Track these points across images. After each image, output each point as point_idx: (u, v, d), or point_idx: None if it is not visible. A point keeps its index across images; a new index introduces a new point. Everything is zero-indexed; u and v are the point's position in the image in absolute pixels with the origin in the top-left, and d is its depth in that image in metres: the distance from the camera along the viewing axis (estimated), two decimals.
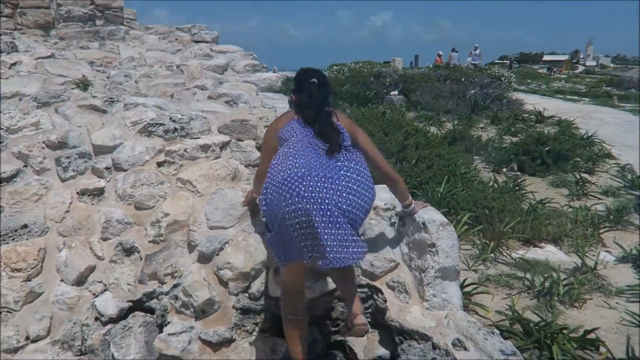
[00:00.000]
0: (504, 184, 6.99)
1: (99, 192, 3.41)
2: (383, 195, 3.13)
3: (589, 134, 10.13)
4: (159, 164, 3.49)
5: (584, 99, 21.72)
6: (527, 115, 12.85)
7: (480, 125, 11.77)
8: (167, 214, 3.14)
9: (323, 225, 2.18)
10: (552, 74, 39.70)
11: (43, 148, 3.59)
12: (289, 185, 2.23)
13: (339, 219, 2.21)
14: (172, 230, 3.11)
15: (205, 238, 2.96)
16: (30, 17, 7.98)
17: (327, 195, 2.22)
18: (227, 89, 4.57)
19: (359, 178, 2.37)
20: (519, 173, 7.97)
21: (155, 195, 3.29)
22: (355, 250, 2.26)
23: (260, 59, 6.04)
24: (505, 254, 4.80)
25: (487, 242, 4.85)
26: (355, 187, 2.32)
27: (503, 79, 16.36)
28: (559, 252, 4.98)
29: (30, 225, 3.20)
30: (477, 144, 9.44)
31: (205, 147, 3.55)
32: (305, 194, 2.20)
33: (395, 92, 15.06)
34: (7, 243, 3.11)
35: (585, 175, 7.64)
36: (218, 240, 2.92)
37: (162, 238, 3.10)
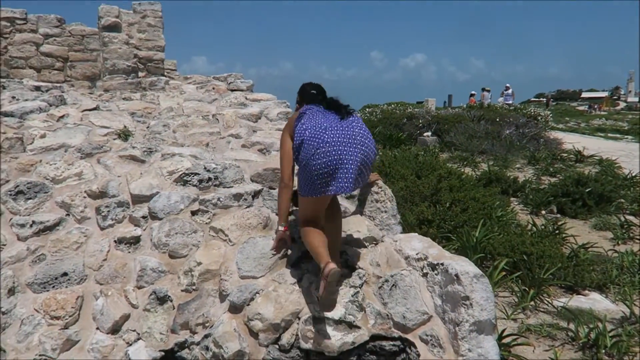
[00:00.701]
0: (543, 227, 6.76)
1: (135, 241, 3.50)
2: (415, 244, 3.09)
3: (633, 174, 9.76)
4: (193, 213, 3.57)
5: (626, 136, 21.08)
6: (566, 154, 12.55)
7: (517, 166, 11.55)
8: (199, 263, 3.19)
9: (347, 162, 2.75)
10: (592, 111, 38.86)
11: (85, 197, 3.75)
12: (316, 135, 2.81)
13: (357, 160, 2.79)
14: (204, 279, 3.15)
15: (236, 288, 2.98)
16: (79, 69, 8.51)
17: (349, 141, 2.79)
18: (261, 137, 4.68)
19: (367, 131, 2.94)
20: (558, 216, 7.71)
21: (188, 244, 3.36)
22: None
23: (295, 103, 6.18)
24: (546, 302, 4.60)
25: (527, 289, 4.67)
26: (367, 135, 2.90)
27: (539, 118, 16.13)
28: (605, 300, 4.73)
29: (70, 273, 3.31)
30: (514, 185, 9.23)
31: (238, 196, 3.62)
32: (330, 140, 2.77)
33: (429, 133, 15.04)
34: (48, 291, 3.22)
35: (630, 218, 7.32)
36: (249, 290, 2.93)
37: (194, 287, 3.14)
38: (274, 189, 3.85)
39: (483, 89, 24.93)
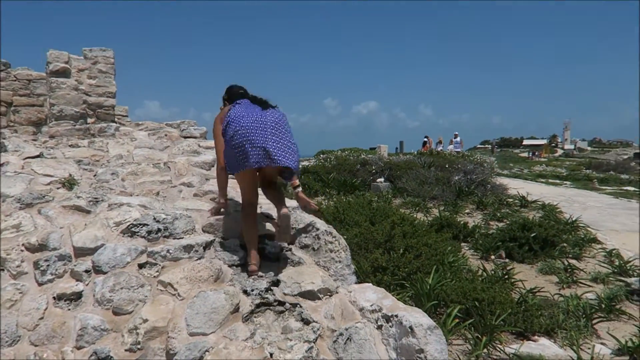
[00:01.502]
0: (493, 272, 6.92)
1: (76, 297, 3.30)
2: (369, 295, 3.07)
3: (574, 219, 10.26)
4: (140, 266, 3.42)
5: (565, 182, 22.29)
6: (511, 200, 13.06)
7: (467, 211, 11.89)
8: (145, 320, 3.02)
9: (256, 142, 3.36)
10: (533, 157, 41.01)
11: (22, 251, 3.53)
12: (236, 120, 3.47)
13: (267, 140, 3.36)
14: (150, 337, 2.98)
15: (184, 346, 2.83)
16: (24, 114, 8.21)
17: (264, 122, 3.44)
18: (213, 185, 4.61)
19: (282, 119, 3.56)
20: (507, 260, 7.93)
21: (134, 299, 3.20)
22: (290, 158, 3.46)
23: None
24: (498, 349, 4.64)
25: (479, 336, 4.70)
26: (280, 121, 3.51)
27: (486, 164, 16.83)
28: (554, 346, 4.82)
29: (0, 334, 3.05)
30: (464, 230, 9.47)
31: (188, 248, 3.51)
32: (245, 124, 3.41)
33: (382, 179, 15.34)
34: None
35: (573, 262, 7.62)
36: (198, 349, 2.79)
37: (139, 346, 2.96)
38: (227, 239, 3.77)
39: (438, 141, 25.89)
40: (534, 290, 6.17)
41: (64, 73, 6.63)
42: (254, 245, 3.53)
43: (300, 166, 21.46)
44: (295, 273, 3.55)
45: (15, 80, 8.47)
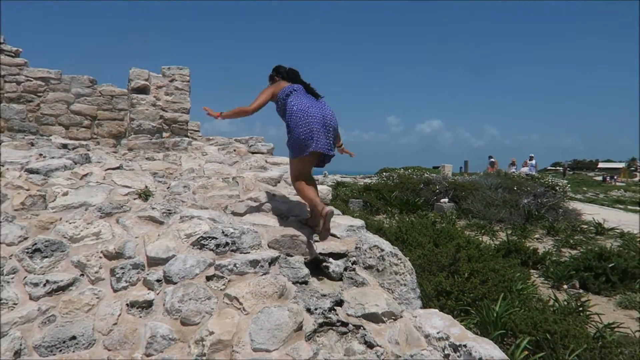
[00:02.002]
0: (565, 303, 6.51)
1: (147, 305, 3.43)
2: (436, 322, 2.97)
3: None
4: (208, 278, 3.51)
5: None
6: (586, 226, 12.31)
7: (536, 236, 11.33)
8: (211, 332, 3.08)
9: (329, 129, 4.04)
10: (610, 181, 38.51)
11: (100, 258, 3.72)
12: (301, 110, 4.00)
13: (330, 129, 4.05)
14: (215, 349, 3.04)
15: None
16: (106, 128, 8.77)
17: (328, 114, 4.09)
18: (279, 201, 4.68)
19: (331, 110, 4.17)
20: (581, 291, 7.45)
21: (201, 311, 3.28)
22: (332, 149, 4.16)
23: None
24: None
25: None
26: (333, 112, 4.16)
27: (557, 187, 16.01)
28: None
29: (78, 337, 3.22)
30: (534, 256, 9.01)
31: (254, 263, 3.56)
32: (313, 111, 4.01)
33: (446, 200, 14.97)
34: (54, 355, 3.13)
35: None
36: None
37: (204, 358, 3.02)
38: (291, 255, 3.80)
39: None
40: (613, 325, 5.74)
41: (144, 90, 7.03)
42: (318, 198, 4.12)
43: (362, 183, 21.46)
44: (358, 294, 3.51)
45: (100, 96, 9.10)
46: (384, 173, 21.48)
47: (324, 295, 3.46)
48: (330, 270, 3.81)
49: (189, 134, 7.76)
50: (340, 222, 4.39)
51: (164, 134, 7.28)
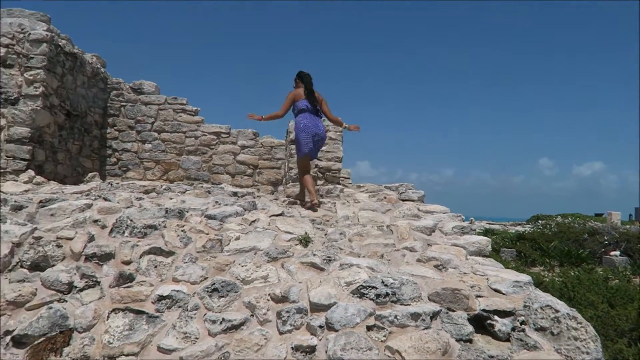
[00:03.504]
0: None
1: (310, 350, 3.53)
2: None
3: None
4: (368, 328, 3.51)
5: None
6: None
7: None
8: None
9: (317, 140, 6.37)
10: None
11: (268, 300, 3.97)
12: (305, 126, 6.27)
13: (321, 138, 6.42)
14: None
15: None
16: (265, 176, 9.53)
17: (316, 128, 6.31)
18: (436, 252, 4.57)
19: (322, 123, 6.48)
20: None
21: None
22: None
23: (455, 209, 6.04)
24: None
25: None
26: (323, 126, 6.44)
27: None
28: None
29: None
30: None
31: (415, 316, 3.49)
32: (310, 128, 6.26)
33: (617, 252, 13.21)
34: None
35: None
36: None
37: None
38: (453, 310, 3.64)
39: None
40: None
41: None
42: (314, 189, 6.35)
43: (514, 231, 19.98)
44: (530, 358, 3.21)
45: (261, 147, 9.98)
46: (539, 221, 19.77)
47: (492, 357, 3.23)
48: (496, 329, 3.55)
49: (340, 181, 8.07)
50: (504, 277, 4.11)
51: (318, 182, 7.66)
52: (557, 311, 3.48)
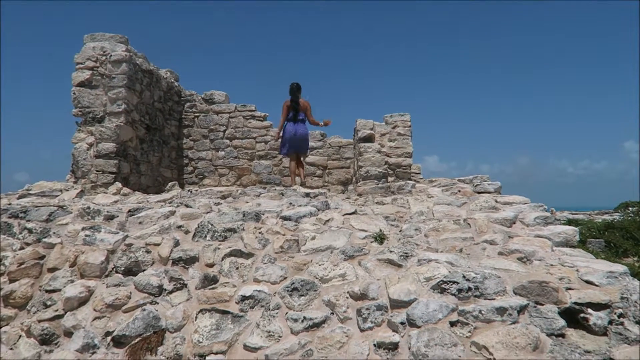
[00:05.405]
0: None
1: (393, 347, 3.51)
2: None
3: None
4: (452, 324, 3.44)
5: None
6: None
7: None
8: None
9: (300, 139, 8.52)
10: None
11: (347, 298, 3.99)
12: (287, 131, 8.46)
13: (304, 138, 8.58)
14: None
15: None
16: (334, 176, 9.58)
17: (299, 132, 8.42)
18: (519, 244, 4.38)
19: (305, 128, 8.58)
20: None
21: (449, 357, 3.21)
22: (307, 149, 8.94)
23: (534, 200, 5.74)
24: None
25: None
26: (304, 128, 8.54)
27: None
28: None
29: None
30: None
31: (501, 310, 3.37)
32: (290, 132, 8.43)
33: None
34: None
35: None
36: None
37: None
38: (542, 304, 3.47)
39: None
40: None
41: (370, 139, 7.51)
42: (297, 175, 8.71)
43: (601, 220, 18.63)
44: (633, 353, 2.99)
45: (329, 148, 10.05)
46: (629, 208, 18.34)
47: (588, 352, 3.05)
48: (591, 322, 3.35)
49: (411, 176, 7.95)
50: (595, 268, 3.86)
51: (389, 179, 7.60)
52: None
